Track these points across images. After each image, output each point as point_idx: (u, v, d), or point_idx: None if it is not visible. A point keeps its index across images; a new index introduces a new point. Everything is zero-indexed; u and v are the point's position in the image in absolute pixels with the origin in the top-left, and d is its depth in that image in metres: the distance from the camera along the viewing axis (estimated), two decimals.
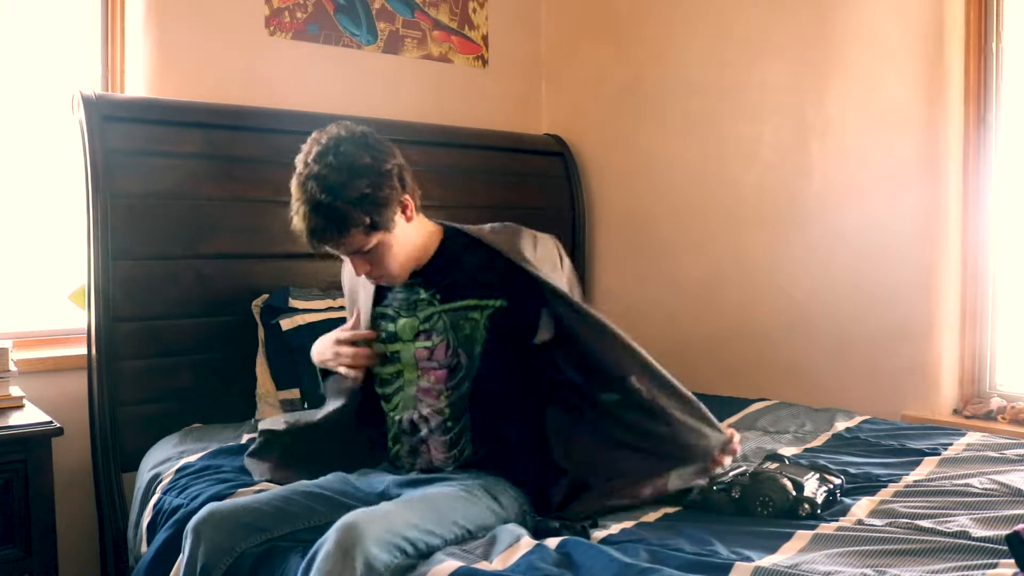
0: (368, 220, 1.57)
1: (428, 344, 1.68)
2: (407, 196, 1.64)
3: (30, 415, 2.00)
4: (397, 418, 1.73)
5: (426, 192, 2.80)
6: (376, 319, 1.75)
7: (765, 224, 2.76)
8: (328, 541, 1.34)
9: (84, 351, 2.26)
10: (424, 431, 1.69)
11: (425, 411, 1.69)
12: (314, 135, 1.62)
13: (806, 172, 2.65)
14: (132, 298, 2.23)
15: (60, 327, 2.50)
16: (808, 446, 2.05)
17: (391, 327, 1.72)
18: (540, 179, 3.15)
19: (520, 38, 3.32)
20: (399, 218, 1.63)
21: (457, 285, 1.68)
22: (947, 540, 1.38)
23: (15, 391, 2.08)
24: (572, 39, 3.30)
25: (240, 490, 1.75)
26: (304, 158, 1.59)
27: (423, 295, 1.70)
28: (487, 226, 1.75)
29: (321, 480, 1.70)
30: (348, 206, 1.55)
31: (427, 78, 3.06)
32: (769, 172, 2.74)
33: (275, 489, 1.66)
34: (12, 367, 2.05)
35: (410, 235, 1.67)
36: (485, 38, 3.22)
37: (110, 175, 2.19)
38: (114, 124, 2.23)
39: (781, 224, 2.72)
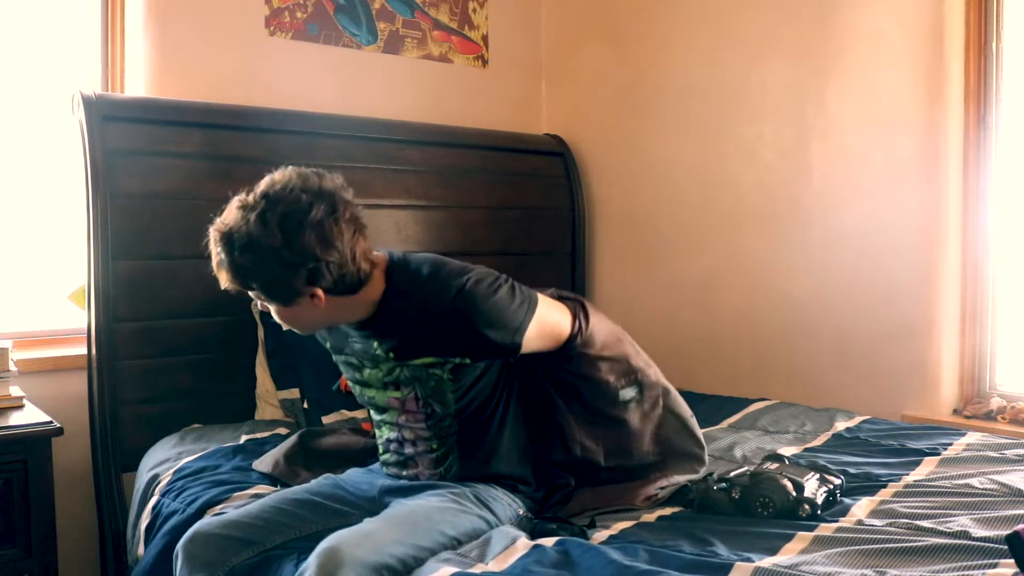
0: (252, 290, 1.50)
1: (398, 395, 1.62)
2: (317, 289, 1.47)
3: (30, 415, 2.00)
4: (383, 437, 1.71)
5: (426, 192, 2.84)
6: (344, 366, 1.70)
7: (765, 224, 2.75)
8: (310, 567, 1.30)
9: (84, 351, 2.26)
10: (410, 450, 1.66)
11: (410, 435, 1.65)
12: (281, 173, 1.50)
13: (806, 172, 2.65)
14: (132, 298, 2.23)
15: (60, 327, 2.50)
16: (808, 446, 2.05)
17: (358, 375, 1.66)
18: (540, 179, 3.15)
19: (520, 38, 3.32)
20: (303, 300, 1.49)
21: (409, 345, 1.57)
22: (947, 540, 1.38)
23: (15, 391, 2.08)
24: (572, 39, 3.29)
25: (235, 494, 1.75)
26: (250, 194, 1.49)
27: (378, 350, 1.59)
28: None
29: (312, 485, 1.68)
30: (240, 271, 1.46)
31: (427, 78, 3.06)
32: (769, 172, 2.74)
33: (265, 499, 1.63)
34: (12, 367, 2.05)
35: (321, 313, 1.53)
36: (485, 38, 3.22)
37: (110, 175, 2.19)
38: (114, 124, 2.23)
39: (781, 224, 2.72)
